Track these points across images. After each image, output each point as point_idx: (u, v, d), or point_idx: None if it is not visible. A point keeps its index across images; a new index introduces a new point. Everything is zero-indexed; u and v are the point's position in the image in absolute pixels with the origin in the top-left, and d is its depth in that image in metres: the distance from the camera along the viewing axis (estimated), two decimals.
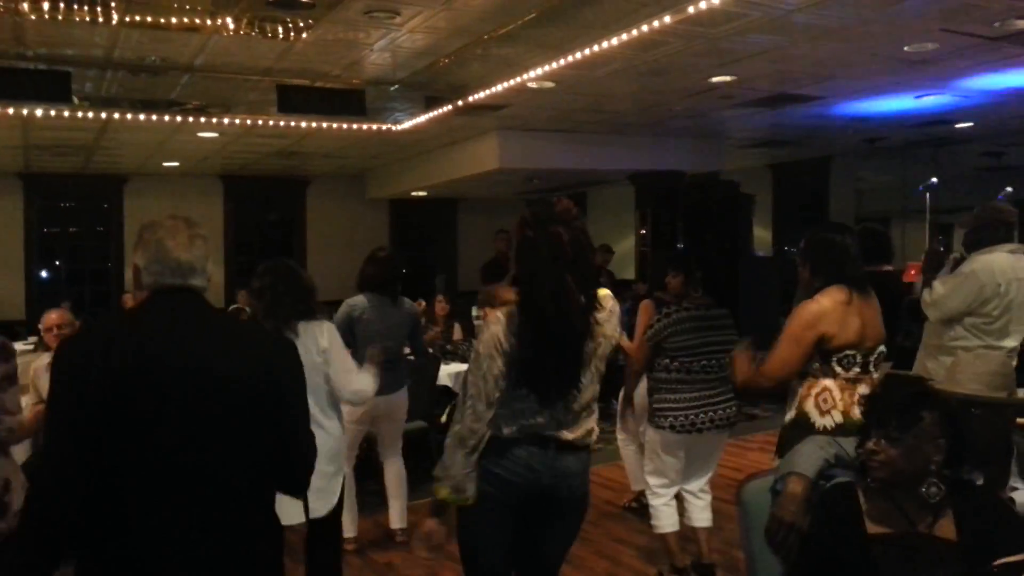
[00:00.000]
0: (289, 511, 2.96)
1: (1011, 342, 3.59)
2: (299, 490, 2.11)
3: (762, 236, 11.30)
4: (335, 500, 3.33)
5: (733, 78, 6.02)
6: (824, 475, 2.03)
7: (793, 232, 11.19)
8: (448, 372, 5.80)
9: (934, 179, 7.47)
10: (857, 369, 2.99)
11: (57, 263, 11.27)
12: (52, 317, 4.66)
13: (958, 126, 8.33)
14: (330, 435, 3.29)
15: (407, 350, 4.53)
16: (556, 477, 2.31)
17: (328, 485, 3.29)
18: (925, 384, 1.96)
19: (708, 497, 4.03)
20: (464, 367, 5.90)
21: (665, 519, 3.95)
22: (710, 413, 3.86)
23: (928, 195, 7.50)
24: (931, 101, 7.08)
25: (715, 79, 6.05)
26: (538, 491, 2.31)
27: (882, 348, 3.11)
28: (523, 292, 2.26)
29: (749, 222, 9.53)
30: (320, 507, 3.28)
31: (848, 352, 2.97)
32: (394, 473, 4.51)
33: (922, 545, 1.79)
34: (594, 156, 8.51)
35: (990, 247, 3.64)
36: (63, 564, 1.77)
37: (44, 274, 11.03)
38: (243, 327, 1.99)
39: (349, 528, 4.36)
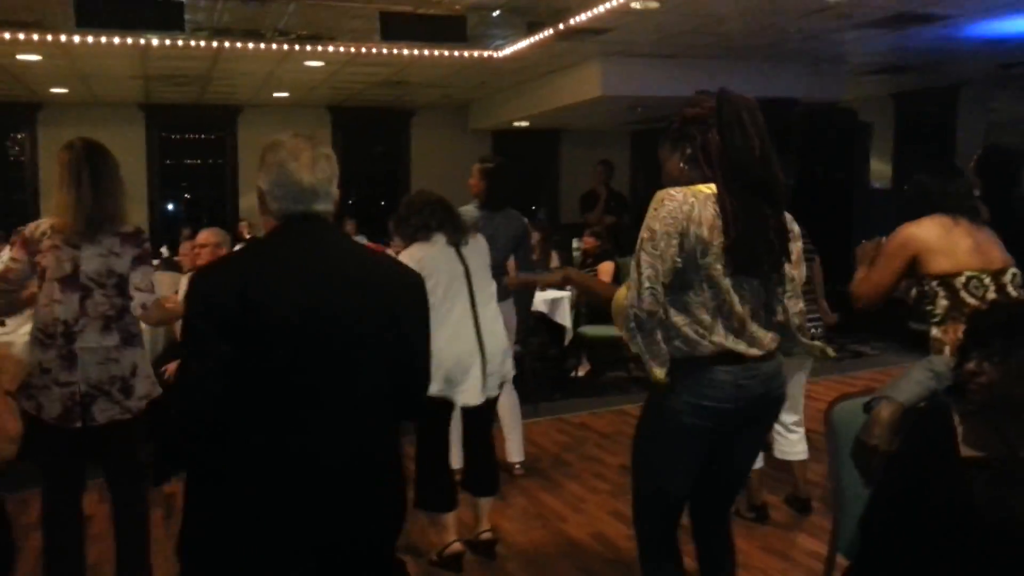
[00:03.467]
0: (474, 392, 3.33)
1: None
2: (416, 412, 2.14)
3: (882, 169, 10.73)
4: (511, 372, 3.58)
5: None
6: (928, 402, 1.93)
7: (916, 166, 10.56)
8: (544, 299, 5.81)
9: None
10: (992, 295, 2.82)
11: (178, 193, 11.84)
12: (204, 235, 4.82)
13: None
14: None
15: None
16: (764, 381, 2.18)
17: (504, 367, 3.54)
18: None
19: (801, 430, 3.89)
20: (561, 295, 5.94)
21: None
22: None
23: None
24: None
25: None
26: (751, 404, 2.18)
27: (1015, 271, 2.92)
28: (727, 164, 2.12)
29: (866, 153, 9.05)
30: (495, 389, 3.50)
31: (971, 275, 2.82)
32: (508, 402, 4.36)
33: (1021, 469, 1.69)
34: (702, 83, 7.87)
35: None
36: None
37: (165, 204, 11.62)
38: (371, 260, 1.94)
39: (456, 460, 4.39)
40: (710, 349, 2.12)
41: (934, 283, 2.88)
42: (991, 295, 2.82)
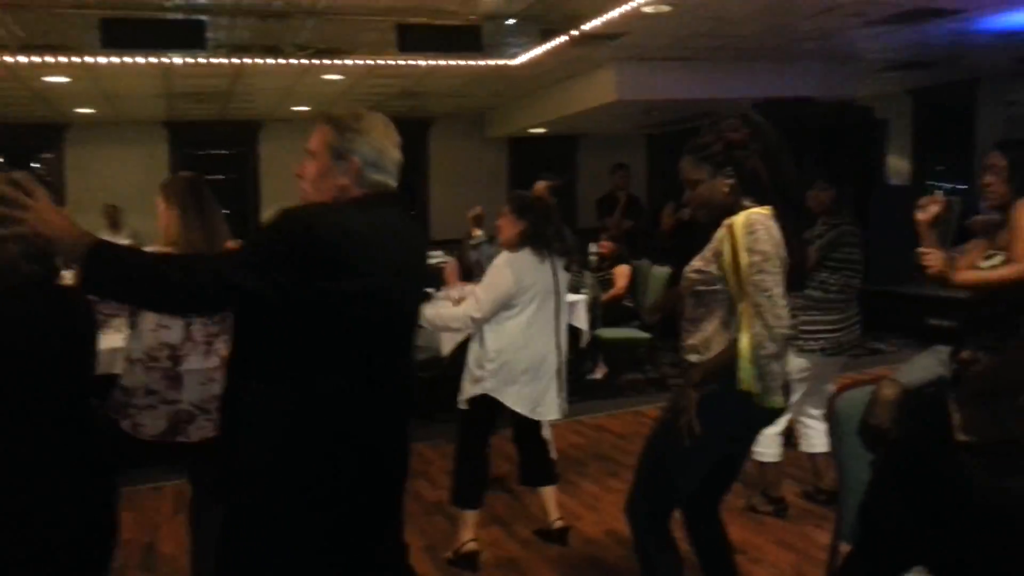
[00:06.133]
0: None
1: None
2: None
3: (901, 166, 10.70)
4: None
5: None
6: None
7: (935, 162, 10.52)
8: None
9: None
10: None
11: None
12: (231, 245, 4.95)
13: None
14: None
15: None
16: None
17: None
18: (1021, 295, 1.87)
19: (825, 423, 3.92)
20: (576, 298, 5.99)
21: (772, 447, 3.81)
22: (852, 333, 3.79)
23: None
24: None
25: None
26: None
27: None
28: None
29: (882, 150, 9.02)
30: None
31: None
32: None
33: (1017, 454, 1.73)
34: (716, 85, 8.23)
35: None
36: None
37: None
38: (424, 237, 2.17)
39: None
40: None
41: None
42: None
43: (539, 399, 3.49)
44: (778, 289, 2.18)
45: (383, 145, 1.95)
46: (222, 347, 2.93)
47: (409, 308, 2.00)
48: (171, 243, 2.91)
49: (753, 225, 2.21)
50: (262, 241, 1.81)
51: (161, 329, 2.86)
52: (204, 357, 2.91)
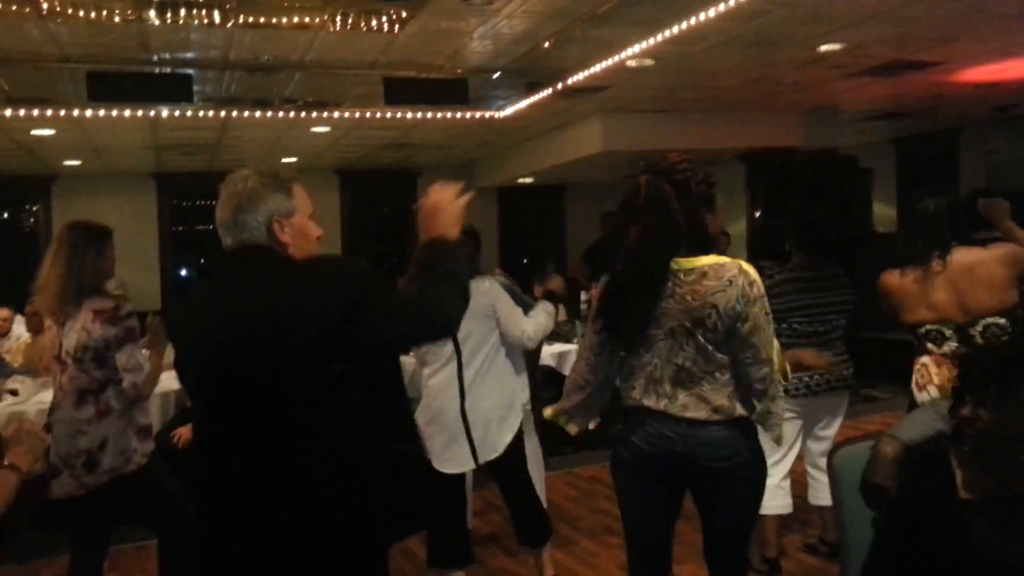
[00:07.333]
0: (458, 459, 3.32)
1: None
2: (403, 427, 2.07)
3: (887, 213, 10.80)
4: (510, 436, 3.45)
5: (843, 45, 5.77)
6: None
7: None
8: (551, 352, 5.83)
9: None
10: (953, 344, 2.91)
11: (190, 259, 11.99)
12: None
13: None
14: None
15: None
16: (690, 446, 2.23)
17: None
18: (1021, 349, 1.86)
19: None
20: (568, 348, 5.96)
21: (772, 499, 3.61)
22: (825, 374, 3.73)
23: None
24: None
25: (824, 48, 5.81)
26: (676, 458, 2.26)
27: (994, 320, 2.94)
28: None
29: (868, 197, 9.11)
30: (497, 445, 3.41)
31: (930, 328, 2.91)
32: (530, 448, 4.28)
33: (1019, 509, 1.70)
34: (701, 135, 8.32)
35: None
36: None
37: (177, 270, 11.76)
38: (293, 280, 1.78)
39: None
40: (641, 406, 2.33)
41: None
42: (952, 344, 2.93)
43: (444, 451, 3.34)
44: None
45: (219, 205, 1.87)
46: (108, 396, 2.83)
47: (262, 358, 1.70)
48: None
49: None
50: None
51: (52, 380, 2.87)
52: (76, 407, 2.80)
